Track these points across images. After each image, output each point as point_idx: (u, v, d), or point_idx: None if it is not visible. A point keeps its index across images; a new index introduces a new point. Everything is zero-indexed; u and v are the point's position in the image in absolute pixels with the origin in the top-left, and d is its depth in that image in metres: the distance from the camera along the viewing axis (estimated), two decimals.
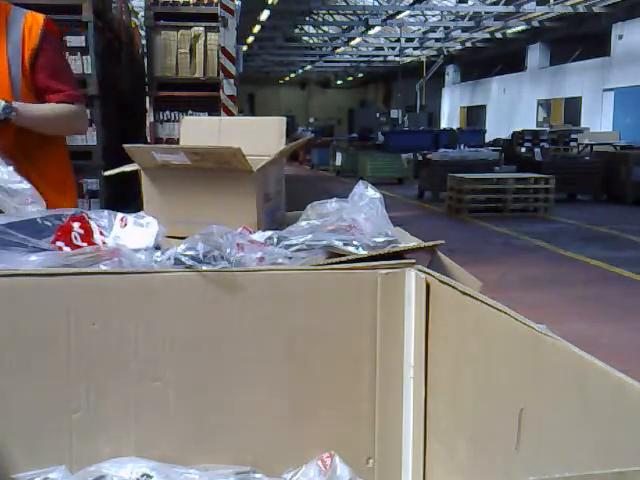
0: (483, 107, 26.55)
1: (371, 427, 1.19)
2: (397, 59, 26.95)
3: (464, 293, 1.00)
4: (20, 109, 1.96)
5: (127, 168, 1.74)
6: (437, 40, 23.57)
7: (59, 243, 1.22)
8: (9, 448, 1.10)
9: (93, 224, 1.26)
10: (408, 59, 27.52)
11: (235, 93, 7.03)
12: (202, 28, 7.00)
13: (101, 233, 1.25)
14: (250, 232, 1.35)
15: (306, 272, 1.16)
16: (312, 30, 25.05)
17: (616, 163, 11.72)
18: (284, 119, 1.79)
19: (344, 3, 21.18)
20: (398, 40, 23.33)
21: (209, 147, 1.50)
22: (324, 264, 1.18)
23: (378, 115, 27.96)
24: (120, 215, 1.29)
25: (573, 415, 0.77)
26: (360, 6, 19.86)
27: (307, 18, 22.54)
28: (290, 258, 1.21)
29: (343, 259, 1.19)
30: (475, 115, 27.36)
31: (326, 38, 25.43)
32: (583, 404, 0.75)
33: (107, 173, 1.86)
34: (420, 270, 1.15)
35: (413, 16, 20.85)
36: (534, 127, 20.10)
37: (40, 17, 2.15)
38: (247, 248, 1.18)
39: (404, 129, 20.32)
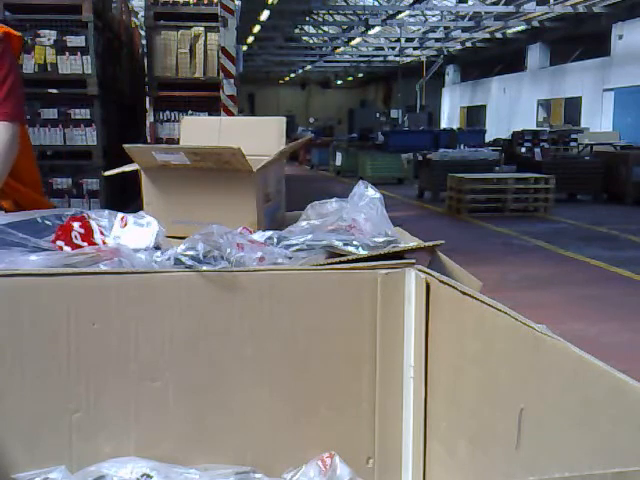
0: (483, 107, 26.54)
1: (371, 427, 1.19)
2: (397, 59, 26.94)
3: (464, 293, 1.00)
4: None
5: (127, 168, 1.74)
6: (437, 40, 23.56)
7: (59, 242, 1.22)
8: (9, 448, 1.10)
9: (93, 224, 1.26)
10: (408, 59, 27.50)
11: (235, 93, 7.02)
12: (202, 28, 7.00)
13: (101, 233, 1.25)
14: (250, 232, 1.35)
15: (306, 272, 1.16)
16: (312, 30, 25.04)
17: (616, 163, 11.73)
18: (284, 119, 1.79)
19: (344, 3, 21.17)
20: (398, 40, 23.32)
21: (209, 147, 1.50)
22: (324, 264, 1.18)
23: (378, 115, 27.95)
24: (120, 215, 1.29)
25: (573, 415, 0.77)
26: (360, 6, 19.85)
27: (307, 18, 22.54)
28: (290, 258, 1.21)
29: (343, 259, 1.19)
30: (475, 115, 27.35)
31: (326, 38, 25.41)
32: (583, 404, 0.75)
33: (107, 173, 1.86)
34: (420, 270, 1.15)
35: (413, 16, 20.83)
36: (534, 127, 20.09)
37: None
38: (247, 248, 1.18)
39: (404, 129, 20.30)
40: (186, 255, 1.14)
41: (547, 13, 18.49)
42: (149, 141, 7.78)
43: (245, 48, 20.14)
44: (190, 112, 6.96)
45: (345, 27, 23.59)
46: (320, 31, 25.17)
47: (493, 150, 13.99)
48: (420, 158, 13.12)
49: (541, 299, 5.39)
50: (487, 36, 22.35)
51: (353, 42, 24.54)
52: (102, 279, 1.10)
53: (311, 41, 25.61)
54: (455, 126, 25.07)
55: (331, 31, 25.09)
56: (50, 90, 6.37)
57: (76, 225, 1.24)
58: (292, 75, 35.68)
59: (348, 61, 30.87)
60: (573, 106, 20.56)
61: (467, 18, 20.37)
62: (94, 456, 1.11)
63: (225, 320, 1.13)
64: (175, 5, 7.10)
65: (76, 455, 1.12)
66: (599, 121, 18.86)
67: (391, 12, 19.41)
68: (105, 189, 6.61)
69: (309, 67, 31.94)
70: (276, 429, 1.17)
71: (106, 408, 1.12)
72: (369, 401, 1.18)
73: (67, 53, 6.35)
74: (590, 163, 12.14)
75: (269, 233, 1.32)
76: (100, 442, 1.13)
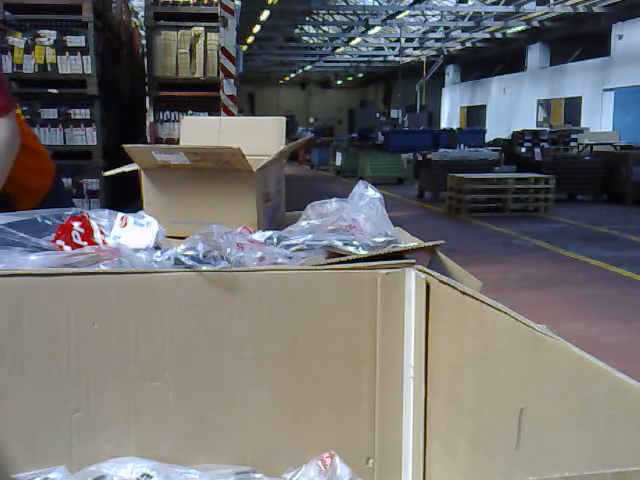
0: (483, 107, 26.54)
1: (371, 427, 1.19)
2: (397, 59, 26.95)
3: (464, 293, 1.00)
4: None
5: (127, 168, 1.74)
6: (437, 40, 23.56)
7: (59, 242, 1.22)
8: (9, 448, 1.10)
9: (93, 223, 1.26)
10: (408, 59, 27.51)
11: (235, 93, 7.02)
12: (202, 28, 6.99)
13: (101, 232, 1.25)
14: (250, 232, 1.35)
15: (306, 272, 1.16)
16: (312, 30, 25.04)
17: (616, 163, 11.73)
18: (284, 119, 1.79)
19: (344, 3, 21.17)
20: (398, 40, 23.32)
21: (209, 147, 1.50)
22: (324, 264, 1.18)
23: (378, 115, 27.97)
24: (120, 215, 1.29)
25: (573, 415, 0.77)
26: (360, 6, 19.85)
27: (307, 18, 22.54)
28: (290, 258, 1.21)
29: (343, 259, 1.19)
30: (475, 115, 27.35)
31: (326, 38, 25.42)
32: (583, 404, 0.75)
33: (107, 173, 1.86)
34: (420, 270, 1.15)
35: (413, 16, 20.84)
36: (534, 127, 20.10)
37: None
38: (247, 248, 1.18)
39: (404, 129, 20.30)
40: (186, 255, 1.14)
41: (547, 13, 18.49)
42: (149, 141, 7.78)
43: (245, 48, 20.12)
44: (190, 112, 6.96)
45: (345, 27, 23.60)
46: (320, 31, 25.17)
47: (493, 150, 13.99)
48: (420, 158, 13.13)
49: (541, 299, 5.39)
50: (487, 36, 22.35)
51: (353, 42, 24.55)
52: (102, 279, 1.10)
53: (311, 41, 25.62)
54: (455, 126, 25.07)
55: (331, 31, 25.09)
56: (50, 90, 6.37)
57: (76, 225, 1.24)
58: (292, 75, 35.68)
59: (348, 61, 30.87)
60: (573, 106, 20.56)
61: (467, 18, 20.38)
62: (94, 456, 1.11)
63: (225, 320, 1.13)
64: (175, 5, 7.09)
65: (76, 455, 1.12)
66: (599, 121, 18.86)
67: (391, 12, 19.42)
68: (105, 189, 6.61)
69: (309, 67, 31.94)
70: (276, 429, 1.17)
71: (106, 408, 1.12)
72: (369, 401, 1.18)
73: (67, 53, 6.34)
74: (590, 163, 12.14)
75: (269, 233, 1.32)
76: (100, 442, 1.13)
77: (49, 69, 6.37)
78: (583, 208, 11.11)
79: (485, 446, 0.97)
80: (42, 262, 1.12)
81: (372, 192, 1.37)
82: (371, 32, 21.95)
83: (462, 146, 15.05)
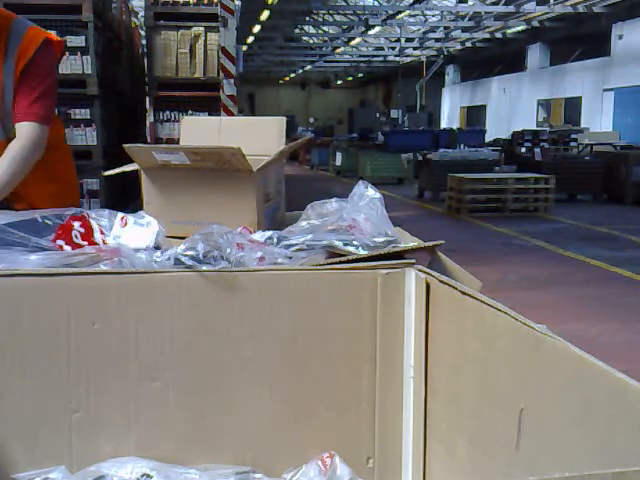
0: (483, 107, 26.54)
1: (371, 427, 1.19)
2: (397, 59, 26.94)
3: (464, 293, 1.00)
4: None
5: (127, 168, 1.74)
6: (437, 40, 23.55)
7: (59, 242, 1.22)
8: (9, 448, 1.10)
9: (93, 223, 1.26)
10: (408, 59, 27.50)
11: (235, 93, 7.02)
12: (202, 28, 6.99)
13: (101, 232, 1.25)
14: (250, 232, 1.35)
15: (306, 272, 1.16)
16: (312, 30, 25.04)
17: (616, 163, 11.72)
18: (284, 119, 1.79)
19: (344, 3, 21.17)
20: (398, 40, 23.32)
21: (209, 147, 1.50)
22: (324, 264, 1.18)
23: (378, 115, 27.97)
24: (120, 214, 1.29)
25: (573, 415, 0.77)
26: (360, 6, 19.85)
27: (307, 18, 22.54)
28: (290, 258, 1.21)
29: (343, 259, 1.19)
30: (475, 115, 27.35)
31: (326, 38, 25.41)
32: (583, 404, 0.75)
33: (107, 173, 1.87)
34: (420, 270, 1.15)
35: (413, 16, 20.84)
36: (534, 127, 20.09)
37: (41, 35, 2.07)
38: (247, 248, 1.18)
39: (404, 129, 20.30)
40: (186, 255, 1.14)
41: (547, 13, 18.48)
42: (149, 141, 7.78)
43: (245, 48, 20.12)
44: (190, 112, 6.96)
45: (345, 27, 23.59)
46: (320, 31, 25.16)
47: (493, 150, 13.99)
48: (420, 158, 13.12)
49: (541, 299, 5.39)
50: (487, 36, 22.35)
51: (353, 42, 24.54)
52: (102, 279, 1.10)
53: (311, 41, 25.61)
54: (455, 126, 25.07)
55: (331, 31, 25.08)
56: None
57: (76, 224, 1.24)
58: (292, 75, 35.67)
59: (348, 61, 30.87)
60: (573, 106, 20.56)
61: (467, 18, 20.37)
62: (94, 456, 1.11)
63: (225, 320, 1.13)
64: (175, 5, 7.09)
65: (76, 455, 1.12)
66: (599, 121, 18.86)
67: (391, 12, 19.41)
68: (105, 189, 6.60)
69: (309, 67, 31.93)
70: (276, 429, 1.17)
71: (106, 408, 1.12)
72: (369, 401, 1.18)
73: (67, 53, 6.33)
74: (590, 163, 12.14)
75: (269, 233, 1.32)
76: (100, 442, 1.13)
77: None
78: (583, 208, 11.11)
79: (485, 446, 0.97)
80: (42, 262, 1.12)
81: (372, 192, 1.37)
82: (371, 32, 21.95)
83: (462, 146, 15.05)
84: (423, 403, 1.14)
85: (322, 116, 35.48)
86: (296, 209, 1.66)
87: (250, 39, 22.61)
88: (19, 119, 2.02)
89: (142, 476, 1.08)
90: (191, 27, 7.02)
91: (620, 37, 17.99)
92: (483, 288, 1.21)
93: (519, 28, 21.46)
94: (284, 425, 1.17)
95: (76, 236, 1.23)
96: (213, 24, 6.96)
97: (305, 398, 1.17)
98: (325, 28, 25.11)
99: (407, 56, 26.82)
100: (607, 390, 0.71)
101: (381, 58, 28.60)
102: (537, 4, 17.99)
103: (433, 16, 21.21)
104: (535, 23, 20.10)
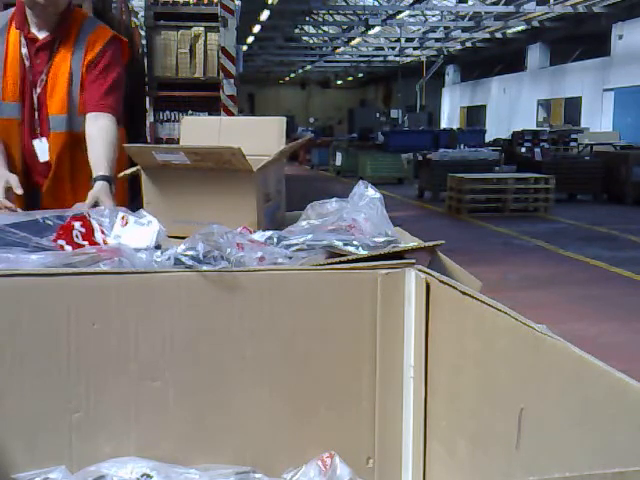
0: (483, 107, 26.53)
1: (371, 427, 1.19)
2: (397, 59, 26.93)
3: (464, 293, 1.00)
4: (112, 175, 1.96)
5: (128, 171, 1.74)
6: (437, 40, 23.54)
7: (60, 242, 1.22)
8: (9, 448, 1.10)
9: (94, 223, 1.26)
10: (408, 59, 27.49)
11: (235, 93, 7.01)
12: (202, 28, 6.99)
13: (102, 232, 1.25)
14: (250, 232, 1.35)
15: (306, 272, 1.16)
16: (312, 30, 25.03)
17: (616, 163, 11.72)
18: (284, 119, 1.79)
19: (344, 3, 21.16)
20: (398, 40, 23.30)
21: (209, 147, 1.50)
22: (324, 264, 1.18)
23: (378, 115, 27.95)
24: (121, 214, 1.29)
25: (573, 415, 0.77)
26: (360, 6, 19.84)
27: (307, 18, 22.53)
28: (290, 258, 1.21)
29: (343, 259, 1.19)
30: (475, 115, 27.33)
31: (326, 38, 25.40)
32: (583, 404, 0.75)
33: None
34: (420, 270, 1.15)
35: (413, 16, 20.82)
36: (534, 127, 20.08)
37: (109, 32, 2.16)
38: (247, 248, 1.18)
39: (404, 129, 20.29)
40: (186, 255, 1.14)
41: (547, 13, 18.47)
42: (149, 141, 7.77)
43: (245, 48, 20.11)
44: (190, 112, 6.95)
45: (345, 27, 23.58)
46: (320, 31, 25.15)
47: (493, 150, 13.98)
48: (420, 158, 13.12)
49: (541, 299, 5.39)
50: (487, 36, 22.34)
51: (353, 42, 24.53)
52: (102, 279, 1.10)
53: (311, 41, 25.60)
54: (455, 126, 25.06)
55: (331, 31, 25.07)
56: None
57: (77, 224, 1.24)
58: (292, 75, 35.66)
59: (348, 61, 30.85)
60: (573, 106, 20.55)
61: (467, 18, 20.36)
62: (94, 456, 1.11)
63: (225, 320, 1.13)
64: (175, 5, 7.09)
65: (76, 455, 1.12)
66: (599, 121, 18.85)
67: (391, 12, 19.40)
68: None
69: (309, 67, 31.92)
70: (276, 429, 1.17)
71: (106, 408, 1.12)
72: (369, 401, 1.18)
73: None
74: (590, 163, 12.13)
75: (269, 233, 1.32)
76: (100, 442, 1.13)
77: None
78: (583, 208, 11.11)
79: (485, 446, 0.97)
80: (43, 262, 1.12)
81: (372, 192, 1.37)
82: (371, 32, 21.93)
83: (462, 146, 15.04)
84: (423, 403, 1.14)
85: (322, 116, 35.46)
86: (296, 209, 1.66)
87: (250, 39, 22.60)
88: (92, 109, 2.08)
89: (142, 476, 1.08)
90: (191, 27, 7.01)
91: (620, 37, 17.98)
92: (483, 288, 1.21)
93: (519, 28, 21.45)
94: (284, 425, 1.17)
95: (77, 236, 1.23)
96: (213, 24, 6.96)
97: (305, 398, 1.17)
98: (325, 28, 25.10)
99: (407, 56, 26.81)
100: (607, 390, 0.71)
101: (381, 58, 28.58)
102: (537, 4, 17.98)
103: (433, 16, 21.20)
104: (535, 23, 20.09)
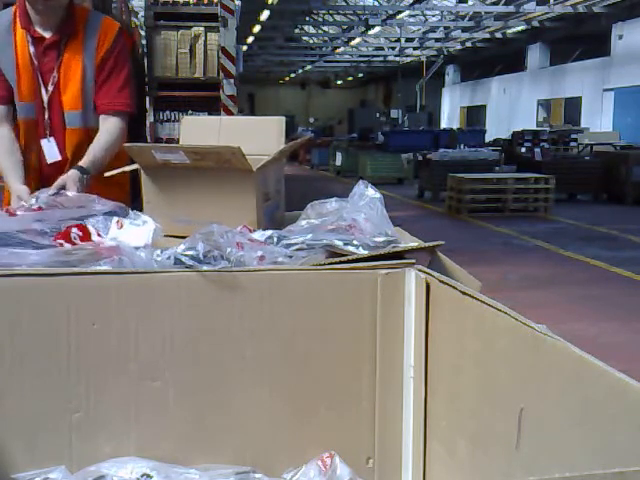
0: (483, 107, 26.53)
1: (371, 427, 1.19)
2: (397, 59, 26.93)
3: (464, 293, 1.00)
4: (91, 168, 1.99)
5: (127, 168, 1.74)
6: (437, 40, 23.54)
7: (60, 241, 1.22)
8: (9, 448, 1.10)
9: (90, 228, 1.26)
10: (408, 59, 27.49)
11: (235, 93, 7.01)
12: (202, 28, 6.99)
13: (99, 235, 1.25)
14: (250, 231, 1.35)
15: (306, 272, 1.16)
16: (312, 30, 25.03)
17: (616, 163, 11.72)
18: (284, 119, 1.79)
19: (344, 3, 21.16)
20: (398, 40, 23.30)
21: (209, 146, 1.50)
22: (324, 264, 1.18)
23: (378, 115, 27.95)
24: (115, 218, 1.30)
25: (573, 415, 0.77)
26: (360, 6, 19.84)
27: (307, 18, 22.53)
28: (290, 257, 1.20)
29: (343, 259, 1.19)
30: (475, 115, 27.33)
31: (326, 38, 25.40)
32: (583, 404, 0.75)
33: (107, 174, 1.87)
34: (420, 270, 1.15)
35: (413, 16, 20.82)
36: (534, 127, 20.08)
37: (116, 24, 2.18)
38: (247, 247, 1.18)
39: (404, 129, 20.29)
40: (186, 255, 1.14)
41: (547, 13, 18.47)
42: (149, 141, 7.77)
43: (245, 48, 20.11)
44: (190, 112, 6.95)
45: (345, 27, 23.58)
46: (320, 31, 25.15)
47: (493, 150, 13.98)
48: (420, 158, 13.12)
49: (541, 299, 5.39)
50: (487, 36, 22.34)
51: (353, 42, 24.53)
52: (102, 279, 1.10)
53: (311, 41, 25.60)
54: (455, 126, 25.06)
55: (331, 31, 25.07)
56: None
57: (74, 230, 1.24)
58: (292, 75, 35.66)
59: (348, 61, 30.85)
60: (573, 106, 20.55)
61: (467, 18, 20.36)
62: (94, 456, 1.11)
63: (225, 320, 1.13)
64: (175, 5, 7.09)
65: (76, 455, 1.12)
66: (599, 121, 18.85)
67: (391, 12, 19.40)
68: None
69: (309, 67, 31.92)
70: (276, 429, 1.17)
71: (106, 408, 1.12)
72: (369, 401, 1.18)
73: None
74: (590, 163, 12.13)
75: (269, 232, 1.32)
76: (100, 442, 1.12)
77: None
78: (583, 208, 11.11)
79: (485, 446, 0.97)
80: (42, 257, 1.12)
81: (372, 192, 1.37)
82: (371, 32, 21.93)
83: (462, 146, 15.03)
84: (423, 403, 1.14)
85: (322, 116, 35.46)
86: (296, 209, 1.66)
87: (250, 39, 22.60)
88: (103, 109, 2.11)
89: (142, 476, 1.08)
90: (191, 27, 7.01)
91: (620, 37, 17.98)
92: (483, 288, 1.21)
93: (519, 28, 21.45)
94: (284, 425, 1.17)
95: (75, 238, 1.23)
96: (213, 24, 6.95)
97: (305, 398, 1.17)
98: (325, 28, 25.10)
99: (407, 56, 26.81)
100: (607, 390, 0.71)
101: (381, 58, 28.58)
102: (537, 4, 17.98)
103: (433, 16, 21.20)
104: (535, 23, 20.09)
